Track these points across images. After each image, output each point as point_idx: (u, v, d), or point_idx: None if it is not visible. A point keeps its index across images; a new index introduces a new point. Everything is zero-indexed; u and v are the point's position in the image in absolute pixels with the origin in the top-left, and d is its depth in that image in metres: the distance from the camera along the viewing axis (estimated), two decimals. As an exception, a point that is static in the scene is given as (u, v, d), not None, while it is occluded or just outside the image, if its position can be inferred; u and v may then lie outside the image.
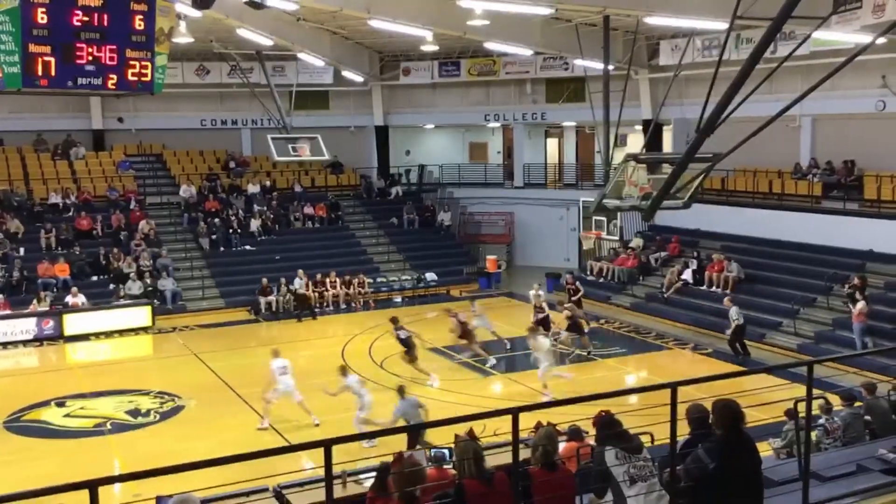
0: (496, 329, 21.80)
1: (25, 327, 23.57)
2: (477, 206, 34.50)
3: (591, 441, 7.43)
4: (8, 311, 23.85)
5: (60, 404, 17.60)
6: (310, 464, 12.05)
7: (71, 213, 28.96)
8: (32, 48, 12.66)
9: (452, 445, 7.34)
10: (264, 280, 26.52)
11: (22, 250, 26.85)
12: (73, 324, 24.00)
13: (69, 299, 24.64)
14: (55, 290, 25.31)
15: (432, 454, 8.28)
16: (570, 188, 33.80)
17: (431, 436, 12.05)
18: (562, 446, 8.08)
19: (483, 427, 6.97)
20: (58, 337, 23.67)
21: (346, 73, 31.84)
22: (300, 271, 26.86)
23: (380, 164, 35.92)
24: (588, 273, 29.01)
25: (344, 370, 15.75)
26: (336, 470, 5.89)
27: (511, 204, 34.18)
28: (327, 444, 5.04)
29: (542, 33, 25.17)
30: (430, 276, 29.96)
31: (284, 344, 19.82)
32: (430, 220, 33.46)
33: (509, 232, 34.02)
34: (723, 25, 16.94)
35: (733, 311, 20.36)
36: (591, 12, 21.15)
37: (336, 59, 30.53)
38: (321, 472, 5.37)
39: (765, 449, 10.57)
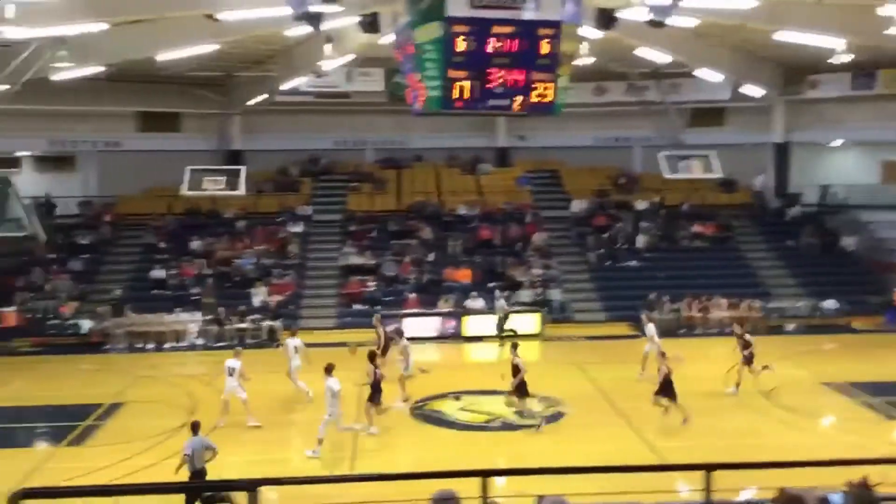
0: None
1: (431, 325, 26.17)
2: (890, 230, 31.02)
3: None
4: (417, 310, 26.66)
5: (457, 398, 19.22)
6: (685, 487, 11.81)
7: (474, 224, 31.51)
8: (452, 74, 14.03)
9: (845, 490, 6.75)
10: (650, 296, 26.59)
11: (432, 255, 29.83)
12: (471, 325, 26.13)
13: (469, 303, 26.86)
14: (458, 293, 27.72)
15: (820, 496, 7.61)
16: None
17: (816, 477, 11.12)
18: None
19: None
20: (457, 336, 25.91)
21: (744, 89, 30.60)
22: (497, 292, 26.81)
23: (777, 182, 34.00)
24: None
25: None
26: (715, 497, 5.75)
27: (933, 231, 30.23)
28: (709, 469, 4.96)
29: None
30: (830, 304, 27.62)
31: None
32: (833, 244, 30.88)
33: (928, 262, 30.08)
34: None
35: None
36: None
37: (735, 73, 29.48)
38: (697, 497, 5.29)
39: None
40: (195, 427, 12.97)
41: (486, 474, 5.62)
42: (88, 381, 21.82)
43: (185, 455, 12.54)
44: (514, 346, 17.66)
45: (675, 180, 29.51)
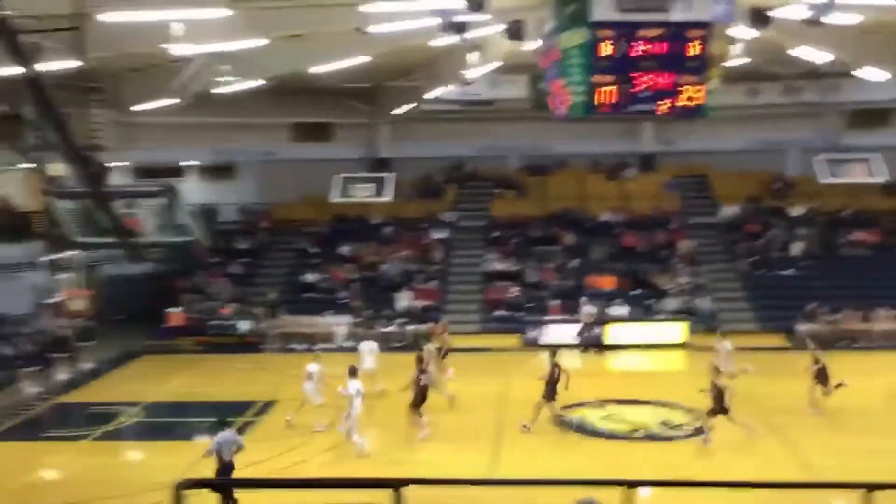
0: None
1: (573, 332, 25.95)
2: None
3: None
4: (560, 316, 26.52)
5: (600, 406, 18.99)
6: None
7: (618, 230, 31.03)
8: (596, 79, 13.97)
9: None
10: (808, 306, 25.42)
11: (575, 262, 29.60)
12: (614, 333, 25.74)
13: (612, 310, 26.48)
14: (600, 300, 27.36)
15: None
16: None
17: None
18: None
19: None
20: (600, 344, 25.59)
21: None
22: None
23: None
24: None
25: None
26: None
27: None
28: (870, 488, 4.70)
29: None
30: None
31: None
32: None
33: None
34: None
35: None
36: None
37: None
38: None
39: None
40: (224, 422, 13.80)
41: (630, 484, 5.56)
42: (245, 379, 22.96)
43: (208, 450, 13.39)
44: (553, 353, 17.87)
45: (834, 185, 28.09)
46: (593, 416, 18.41)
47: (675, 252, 29.65)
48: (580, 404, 19.14)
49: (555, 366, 17.41)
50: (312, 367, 17.87)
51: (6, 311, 25.22)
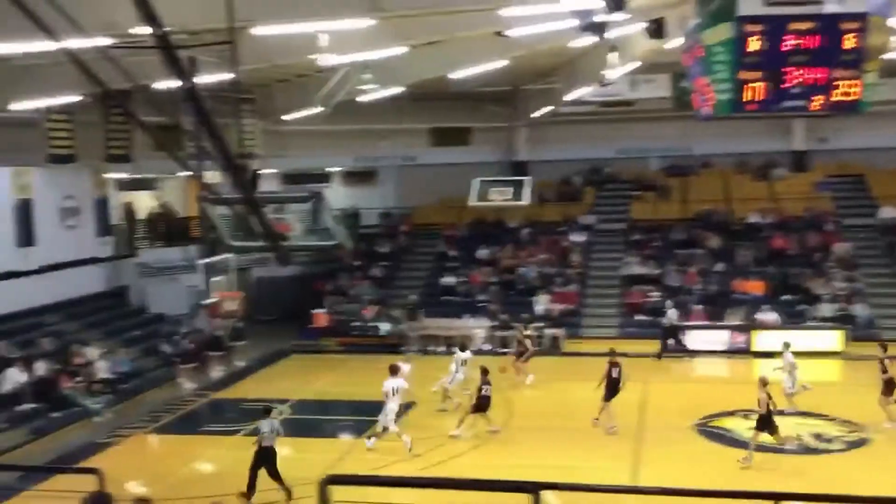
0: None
1: (718, 338, 25.10)
2: None
3: None
4: (704, 322, 25.70)
5: (746, 416, 18.25)
6: None
7: (767, 233, 29.75)
8: (743, 75, 13.47)
9: None
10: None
11: (719, 266, 28.59)
12: (763, 340, 24.67)
13: (760, 316, 25.41)
14: (749, 306, 26.32)
15: None
16: None
17: None
18: None
19: None
20: (747, 351, 24.60)
21: None
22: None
23: None
24: None
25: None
26: None
27: None
28: None
29: None
30: None
31: None
32: None
33: None
34: None
35: None
36: None
37: None
38: None
39: None
40: (267, 411, 14.89)
41: (778, 497, 5.34)
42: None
43: (262, 433, 14.41)
44: (612, 353, 18.08)
45: None
46: (740, 426, 17.73)
47: (829, 255, 28.15)
48: (726, 413, 18.50)
49: (612, 365, 17.47)
50: (403, 366, 18.07)
51: (166, 312, 26.87)
